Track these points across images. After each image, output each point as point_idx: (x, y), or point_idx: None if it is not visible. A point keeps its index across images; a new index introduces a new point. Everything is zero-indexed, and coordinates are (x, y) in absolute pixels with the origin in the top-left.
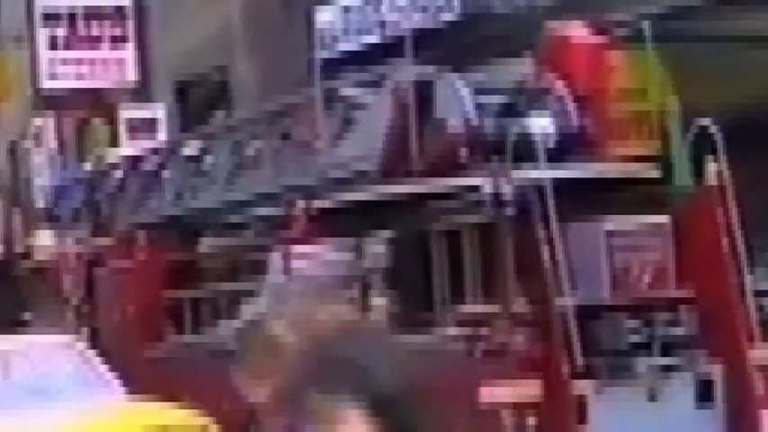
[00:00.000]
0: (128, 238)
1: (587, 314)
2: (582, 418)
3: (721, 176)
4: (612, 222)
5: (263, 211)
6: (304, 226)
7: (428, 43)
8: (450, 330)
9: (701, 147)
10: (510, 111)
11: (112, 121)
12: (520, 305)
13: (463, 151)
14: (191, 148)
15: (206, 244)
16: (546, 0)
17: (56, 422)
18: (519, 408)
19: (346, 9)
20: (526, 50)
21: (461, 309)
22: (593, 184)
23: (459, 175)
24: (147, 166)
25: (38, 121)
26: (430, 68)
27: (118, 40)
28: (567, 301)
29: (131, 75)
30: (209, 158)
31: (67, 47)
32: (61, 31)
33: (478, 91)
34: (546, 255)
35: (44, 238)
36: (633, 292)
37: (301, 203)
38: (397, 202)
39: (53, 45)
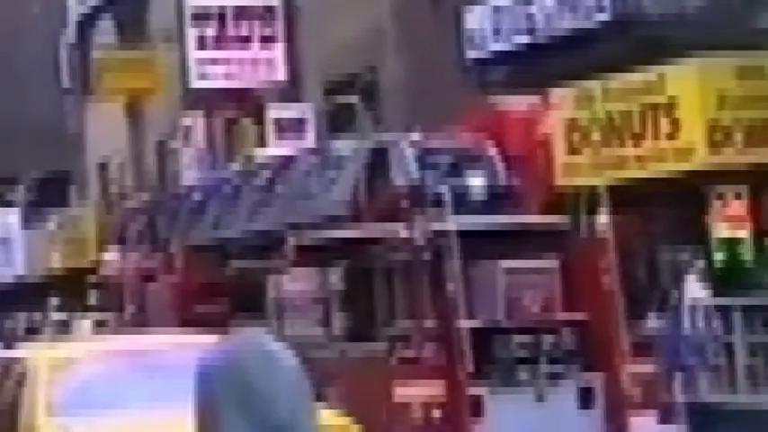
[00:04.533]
0: (173, 257)
1: (487, 333)
2: (477, 413)
3: (609, 228)
4: (510, 262)
5: (269, 241)
6: (293, 256)
7: (580, 44)
8: (381, 343)
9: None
10: (453, 170)
11: (261, 121)
12: (430, 324)
13: (405, 204)
14: (230, 186)
15: (233, 266)
16: (697, 2)
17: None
18: (426, 404)
19: (496, 9)
20: (676, 53)
21: (393, 326)
22: (506, 231)
23: (399, 222)
24: (195, 196)
25: (187, 120)
26: (388, 135)
27: (267, 40)
28: (464, 322)
29: (281, 74)
30: (243, 194)
31: (217, 46)
32: (211, 31)
33: (429, 152)
34: (450, 286)
35: (111, 254)
36: (523, 317)
37: (292, 238)
38: (351, 242)
39: (203, 44)
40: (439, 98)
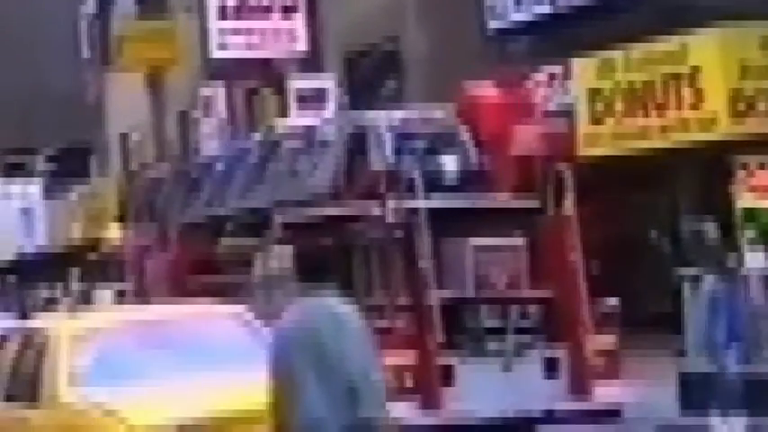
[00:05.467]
0: (169, 233)
1: (456, 306)
2: (448, 381)
3: (574, 208)
4: (478, 240)
5: (258, 218)
6: (279, 233)
7: (602, 13)
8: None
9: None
10: (428, 152)
11: (281, 92)
12: (403, 297)
13: (382, 184)
14: (221, 164)
15: (223, 243)
16: None
17: (213, 389)
18: (399, 372)
19: None
20: (698, 23)
21: (369, 299)
22: (475, 210)
23: (377, 202)
24: (190, 175)
25: (207, 91)
26: (366, 117)
27: (288, 10)
28: (435, 296)
29: (301, 45)
30: (237, 173)
31: (238, 16)
32: (231, 1)
33: (406, 135)
34: (421, 262)
35: (113, 231)
36: (491, 292)
37: (278, 216)
38: (332, 220)
39: (223, 15)
40: (460, 68)
